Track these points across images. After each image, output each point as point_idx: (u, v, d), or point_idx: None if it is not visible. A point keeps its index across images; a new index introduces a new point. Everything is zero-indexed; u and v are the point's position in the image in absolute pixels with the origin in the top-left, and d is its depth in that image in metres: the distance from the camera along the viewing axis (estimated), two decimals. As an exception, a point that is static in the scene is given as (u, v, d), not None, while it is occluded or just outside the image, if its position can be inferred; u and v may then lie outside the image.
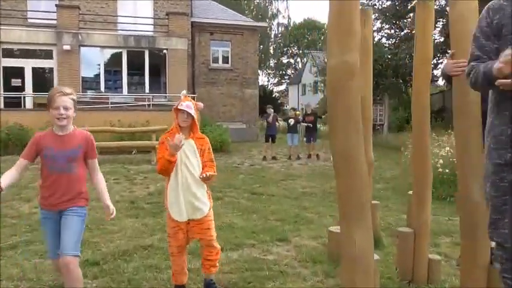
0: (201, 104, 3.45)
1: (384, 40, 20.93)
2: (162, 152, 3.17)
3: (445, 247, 5.01)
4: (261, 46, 38.39)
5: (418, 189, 4.04)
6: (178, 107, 3.16)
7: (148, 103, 16.81)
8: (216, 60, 21.99)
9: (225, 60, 22.13)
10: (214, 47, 21.87)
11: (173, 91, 17.89)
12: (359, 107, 2.26)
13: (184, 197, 3.23)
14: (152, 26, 18.66)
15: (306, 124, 13.99)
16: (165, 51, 18.51)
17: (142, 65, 18.39)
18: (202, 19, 20.98)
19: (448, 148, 8.75)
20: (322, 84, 25.86)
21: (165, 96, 18.33)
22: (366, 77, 4.54)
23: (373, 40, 21.60)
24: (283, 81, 64.73)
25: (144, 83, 18.57)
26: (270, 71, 62.44)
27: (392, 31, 20.31)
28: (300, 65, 62.53)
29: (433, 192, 8.04)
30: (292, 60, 65.79)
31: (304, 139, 14.54)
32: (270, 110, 14.28)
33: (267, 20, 48.18)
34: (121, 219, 6.11)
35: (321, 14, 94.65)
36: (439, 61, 20.44)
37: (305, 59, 59.55)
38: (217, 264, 3.53)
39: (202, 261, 3.50)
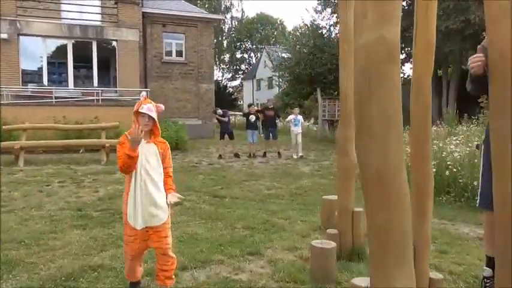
0: (162, 107, 3.29)
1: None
2: (122, 152, 3.02)
3: (433, 257, 4.58)
4: (215, 40, 37.47)
5: (418, 200, 3.53)
6: (139, 110, 3.04)
7: (97, 98, 15.64)
8: (169, 53, 20.99)
9: (179, 53, 21.18)
10: (167, 39, 20.85)
11: (124, 85, 16.83)
12: (400, 105, 1.66)
13: (143, 204, 3.08)
14: (100, 15, 17.38)
15: (262, 118, 13.48)
16: (114, 42, 17.35)
17: (89, 57, 17.14)
18: (154, 9, 19.91)
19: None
20: (280, 80, 25.39)
21: (115, 90, 17.20)
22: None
23: (331, 34, 21.58)
24: (237, 76, 64.10)
25: (92, 77, 17.32)
26: (223, 66, 61.59)
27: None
28: (254, 60, 62.18)
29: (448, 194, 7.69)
30: (246, 55, 65.32)
31: (262, 135, 13.95)
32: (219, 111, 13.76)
33: (220, 14, 47.30)
34: (66, 231, 5.29)
35: (274, 8, 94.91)
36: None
37: (259, 54, 59.35)
38: (173, 276, 3.37)
39: (157, 272, 3.33)
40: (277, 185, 8.83)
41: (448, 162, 7.29)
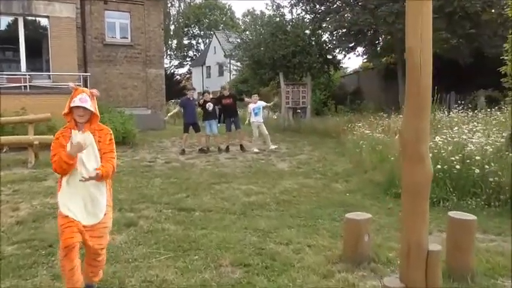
0: (96, 91, 3.04)
1: (304, 14, 19.14)
2: (56, 149, 2.89)
3: None
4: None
5: (412, 205, 2.78)
6: (71, 105, 2.90)
7: (25, 84, 13.07)
8: (112, 34, 18.50)
9: (124, 34, 18.73)
10: (109, 18, 18.30)
11: (59, 69, 14.30)
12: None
13: (79, 198, 2.94)
14: (27, -13, 14.60)
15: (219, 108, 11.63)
16: (45, 19, 14.70)
17: (15, 37, 14.40)
18: (94, -17, 17.36)
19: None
20: (238, 64, 23.44)
21: (48, 76, 14.63)
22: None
23: (292, 15, 19.96)
24: (185, 63, 61.28)
25: (18, 60, 14.59)
26: (171, 53, 58.52)
27: (311, 5, 18.55)
28: (202, 46, 59.67)
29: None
30: (194, 42, 62.57)
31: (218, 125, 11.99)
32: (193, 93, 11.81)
33: (167, -4, 44.46)
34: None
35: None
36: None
37: (207, 40, 56.89)
38: (101, 273, 3.27)
39: (85, 266, 3.14)
40: (256, 189, 7.07)
41: (477, 157, 5.84)
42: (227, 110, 11.66)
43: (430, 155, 6.06)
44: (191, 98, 11.59)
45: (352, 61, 55.05)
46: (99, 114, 3.02)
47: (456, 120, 10.22)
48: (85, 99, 2.87)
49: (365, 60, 25.98)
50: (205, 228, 4.99)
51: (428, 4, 2.66)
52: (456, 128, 7.66)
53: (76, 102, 2.86)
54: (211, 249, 4.27)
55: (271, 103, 14.48)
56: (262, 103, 12.01)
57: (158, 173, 8.41)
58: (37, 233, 4.76)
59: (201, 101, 11.47)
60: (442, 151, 6.20)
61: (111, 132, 3.14)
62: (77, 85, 3.22)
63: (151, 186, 7.20)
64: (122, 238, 4.62)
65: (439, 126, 9.72)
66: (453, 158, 6.06)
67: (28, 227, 4.98)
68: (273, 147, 11.41)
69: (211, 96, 11.92)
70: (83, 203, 2.94)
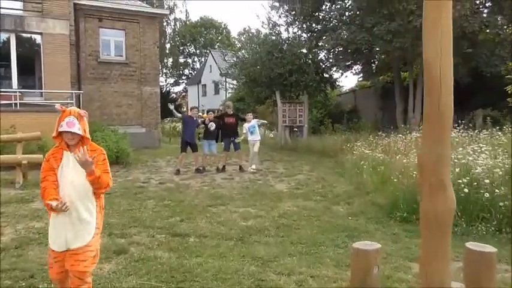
0: (84, 112, 2.93)
1: (300, 33, 19.05)
2: (46, 172, 2.88)
3: None
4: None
5: (433, 239, 2.47)
6: (59, 130, 2.84)
7: (16, 102, 12.76)
8: (107, 51, 18.30)
9: (119, 52, 18.54)
10: (104, 36, 18.15)
11: (51, 87, 14.03)
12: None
13: (66, 224, 2.86)
14: (21, 3, 14.34)
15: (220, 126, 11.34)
16: (38, 36, 14.49)
17: (7, 53, 14.16)
18: (88, 1, 17.20)
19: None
20: (235, 82, 23.22)
21: (41, 93, 14.35)
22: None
23: (289, 33, 19.87)
24: (181, 81, 61.24)
25: (10, 77, 14.30)
26: (166, 71, 58.48)
27: (308, 23, 18.50)
28: (198, 65, 59.76)
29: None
30: (189, 60, 62.66)
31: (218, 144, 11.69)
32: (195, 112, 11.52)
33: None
34: None
35: (218, 12, 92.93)
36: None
37: (203, 58, 56.93)
38: None
39: None
40: (254, 212, 6.76)
41: (486, 181, 5.58)
42: (228, 129, 11.35)
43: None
44: (194, 118, 11.23)
45: (348, 80, 55.33)
46: (89, 136, 2.94)
47: (457, 140, 9.99)
48: (72, 123, 2.81)
49: (360, 79, 25.98)
50: (201, 255, 4.66)
51: (448, 12, 2.41)
52: (460, 148, 7.41)
53: (64, 127, 2.80)
54: (207, 281, 3.94)
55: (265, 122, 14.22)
56: (256, 121, 11.72)
57: (152, 194, 8.07)
58: (19, 261, 4.41)
59: (207, 120, 11.14)
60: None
61: (105, 152, 3.07)
62: (67, 103, 3.05)
63: (144, 209, 6.86)
64: (110, 267, 4.28)
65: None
66: (460, 181, 5.79)
67: (10, 254, 4.63)
68: (253, 167, 11.02)
69: (212, 115, 11.55)
70: (71, 224, 2.85)
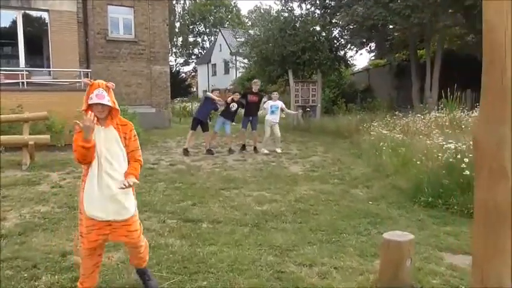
0: (112, 84, 2.91)
1: (314, 9, 18.39)
2: (78, 136, 2.77)
3: None
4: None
5: (491, 233, 2.10)
6: (89, 103, 2.81)
7: (23, 81, 12.47)
8: (116, 29, 17.86)
9: (128, 30, 18.07)
10: (113, 13, 17.66)
11: (59, 65, 13.70)
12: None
13: (107, 195, 2.84)
14: (26, -21, 13.97)
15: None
16: (45, 13, 14.10)
17: (14, 31, 13.82)
18: (96, -22, 16.71)
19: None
20: (246, 61, 22.63)
21: (49, 72, 14.04)
22: None
23: (302, 9, 19.23)
24: (191, 60, 60.64)
25: (17, 56, 13.98)
26: (176, 50, 57.89)
27: None
28: (208, 44, 59.04)
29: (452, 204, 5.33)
30: (199, 39, 61.92)
31: (236, 124, 11.27)
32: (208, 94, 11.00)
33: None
34: None
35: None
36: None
37: (213, 37, 56.14)
38: (147, 258, 3.29)
39: (130, 259, 3.30)
40: (268, 196, 6.43)
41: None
42: (250, 107, 10.88)
43: (466, 160, 5.42)
44: (215, 101, 10.60)
45: (361, 59, 53.98)
46: (118, 108, 2.94)
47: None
48: (102, 95, 2.79)
49: (373, 58, 25.27)
50: (215, 244, 4.36)
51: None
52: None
53: (93, 99, 2.78)
54: (222, 272, 3.64)
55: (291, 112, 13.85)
56: (281, 103, 11.26)
57: (162, 176, 7.77)
58: (22, 249, 4.14)
59: (229, 100, 10.67)
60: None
61: (133, 127, 3.08)
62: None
63: (154, 192, 6.57)
64: (119, 256, 3.99)
65: (463, 127, 9.05)
66: None
67: (13, 241, 4.36)
68: (279, 150, 10.73)
69: (239, 97, 10.94)
70: (113, 199, 2.86)
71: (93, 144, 2.76)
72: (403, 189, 6.58)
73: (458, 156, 5.73)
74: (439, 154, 6.28)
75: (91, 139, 2.74)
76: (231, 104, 10.50)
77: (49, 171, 8.03)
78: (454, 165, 5.82)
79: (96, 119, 2.79)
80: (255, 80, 11.56)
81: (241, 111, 11.20)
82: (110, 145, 2.87)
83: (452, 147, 6.06)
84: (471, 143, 6.03)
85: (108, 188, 2.84)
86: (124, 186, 2.80)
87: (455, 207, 5.47)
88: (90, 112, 2.76)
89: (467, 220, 5.12)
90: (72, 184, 7.00)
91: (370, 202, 6.13)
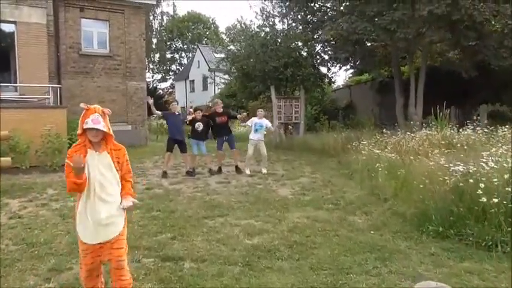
0: (108, 111, 3.04)
1: (296, 25, 17.96)
2: (69, 168, 2.86)
3: None
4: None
5: None
6: (84, 127, 2.92)
7: (-14, 97, 11.54)
8: (89, 44, 17.03)
9: (102, 44, 17.28)
10: (86, 27, 16.87)
11: (28, 80, 12.82)
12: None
13: (97, 219, 2.95)
14: (-8, -12, 13.11)
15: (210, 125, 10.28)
16: (12, 25, 13.22)
17: (-22, 44, 12.93)
18: (69, -11, 15.91)
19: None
20: (227, 76, 22.00)
21: (15, 87, 13.11)
22: None
23: (283, 24, 18.80)
24: (168, 77, 59.78)
25: (-19, 70, 13.07)
26: (153, 66, 56.95)
27: (303, 14, 17.47)
28: (186, 61, 58.38)
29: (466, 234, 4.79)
30: (177, 55, 61.22)
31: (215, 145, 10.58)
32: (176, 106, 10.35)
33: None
34: None
35: (205, 7, 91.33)
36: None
37: (191, 54, 55.47)
38: None
39: (112, 285, 3.18)
40: (258, 225, 5.72)
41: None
42: (220, 127, 10.26)
43: (482, 185, 4.84)
44: (176, 113, 10.11)
45: (339, 75, 54.08)
46: (112, 134, 3.04)
47: (473, 138, 9.10)
48: (98, 120, 2.89)
49: (350, 76, 25.05)
50: (200, 291, 3.63)
51: None
52: (493, 149, 6.46)
53: (89, 124, 2.88)
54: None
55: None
56: (267, 122, 10.55)
57: (137, 203, 6.96)
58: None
59: (190, 118, 10.02)
60: (495, 180, 4.95)
61: (126, 152, 3.15)
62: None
63: (130, 222, 5.76)
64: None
65: (458, 145, 8.58)
66: (508, 189, 4.84)
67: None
68: (264, 171, 10.06)
69: (201, 114, 10.30)
70: (102, 223, 2.95)
71: (85, 179, 2.85)
72: (405, 216, 5.97)
73: (471, 180, 5.15)
74: (445, 177, 5.70)
75: (82, 175, 2.82)
76: (196, 124, 9.83)
77: (9, 198, 7.16)
78: (464, 190, 5.25)
79: (84, 159, 2.85)
80: (215, 100, 11.02)
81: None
82: (103, 170, 2.97)
83: (461, 169, 5.49)
84: (482, 165, 5.52)
85: (100, 213, 2.93)
86: (124, 207, 3.02)
87: (470, 238, 4.87)
88: (78, 153, 2.83)
89: (486, 254, 4.53)
90: (34, 214, 6.16)
91: (372, 232, 5.48)
